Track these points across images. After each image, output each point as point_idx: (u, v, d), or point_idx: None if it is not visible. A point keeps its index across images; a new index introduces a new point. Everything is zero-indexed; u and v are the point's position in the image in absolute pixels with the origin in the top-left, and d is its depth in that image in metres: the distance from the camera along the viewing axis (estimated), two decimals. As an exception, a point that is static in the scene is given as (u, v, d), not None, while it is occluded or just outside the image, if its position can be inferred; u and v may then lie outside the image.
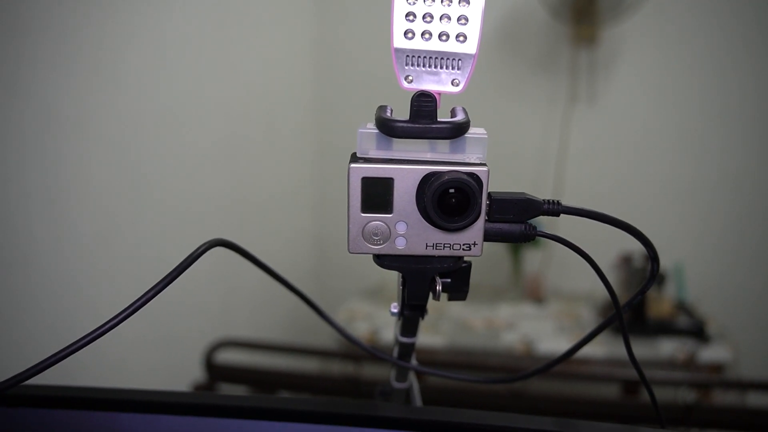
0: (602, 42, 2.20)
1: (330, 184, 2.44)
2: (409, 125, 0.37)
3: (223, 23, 1.74)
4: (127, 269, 1.35)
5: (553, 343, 1.89)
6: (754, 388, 1.63)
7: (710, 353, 1.82)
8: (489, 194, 0.40)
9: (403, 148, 0.39)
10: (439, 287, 0.42)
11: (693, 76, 2.20)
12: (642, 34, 2.18)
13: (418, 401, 0.60)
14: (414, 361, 0.57)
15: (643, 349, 1.85)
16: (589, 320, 2.06)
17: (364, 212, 0.39)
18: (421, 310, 0.48)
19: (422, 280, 0.42)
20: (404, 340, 0.52)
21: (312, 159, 2.42)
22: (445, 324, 2.03)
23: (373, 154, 0.39)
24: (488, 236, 0.41)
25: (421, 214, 0.39)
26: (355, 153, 0.40)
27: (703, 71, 2.19)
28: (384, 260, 0.41)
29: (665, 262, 2.07)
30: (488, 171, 0.38)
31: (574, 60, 2.24)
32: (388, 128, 0.38)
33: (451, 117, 0.39)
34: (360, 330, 1.96)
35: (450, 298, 0.45)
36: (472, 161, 0.39)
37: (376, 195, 0.39)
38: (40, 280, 1.15)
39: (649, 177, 2.28)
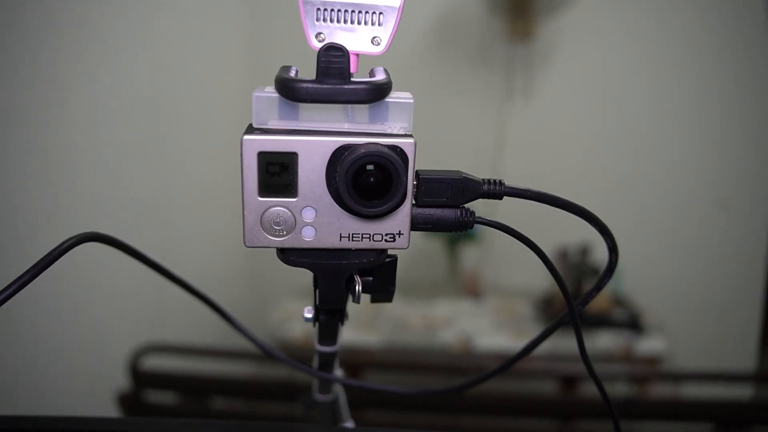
0: (538, 38, 2.18)
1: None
2: (315, 86, 0.30)
3: (151, 14, 1.63)
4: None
5: (491, 339, 1.86)
6: (688, 379, 1.64)
7: (646, 345, 1.82)
8: (417, 173, 0.33)
9: (311, 116, 0.32)
10: (358, 287, 0.35)
11: (629, 72, 2.20)
12: (578, 30, 2.17)
13: (345, 416, 0.53)
14: (338, 371, 0.50)
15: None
16: (528, 315, 2.04)
17: (262, 196, 0.32)
18: (340, 315, 0.40)
19: (337, 279, 0.34)
20: (323, 349, 0.44)
21: (235, 153, 2.31)
22: (382, 322, 1.97)
23: (274, 124, 0.32)
24: (416, 224, 0.34)
25: (332, 197, 0.32)
26: (251, 124, 0.32)
27: (639, 67, 2.19)
28: (289, 255, 0.34)
29: (601, 255, 2.07)
30: (415, 143, 0.31)
31: (510, 56, 2.21)
32: (288, 90, 0.30)
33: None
34: (294, 331, 1.88)
35: (373, 300, 0.37)
36: (395, 132, 0.32)
37: (277, 174, 0.31)
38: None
39: (584, 171, 2.28)
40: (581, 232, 2.11)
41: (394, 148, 0.31)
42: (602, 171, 2.27)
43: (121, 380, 1.44)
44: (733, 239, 2.18)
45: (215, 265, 2.08)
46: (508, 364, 0.45)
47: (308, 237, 0.32)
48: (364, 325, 1.95)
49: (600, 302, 1.98)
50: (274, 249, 0.34)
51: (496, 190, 0.34)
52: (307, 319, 0.40)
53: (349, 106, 0.31)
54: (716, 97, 2.16)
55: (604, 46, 2.20)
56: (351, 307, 1.56)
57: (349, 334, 1.88)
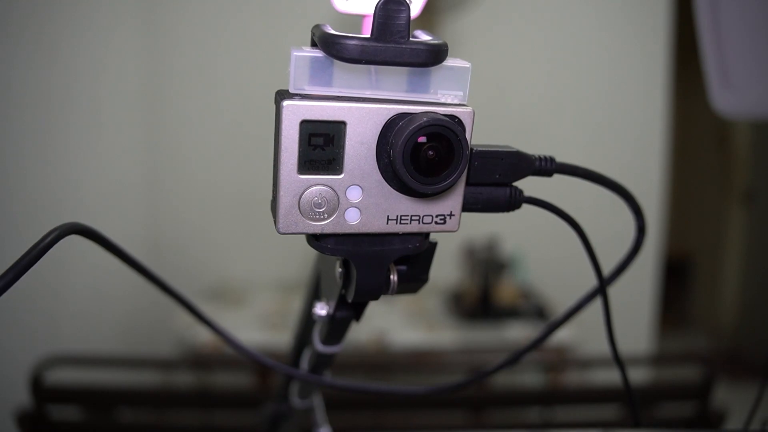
0: (443, 34, 2.19)
1: (164, 179, 2.21)
2: (374, 45, 0.26)
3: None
4: None
5: (405, 335, 1.85)
6: (597, 365, 1.71)
7: (555, 334, 1.88)
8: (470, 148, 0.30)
9: (350, 82, 0.27)
10: (394, 277, 0.31)
11: (531, 69, 2.26)
12: (482, 27, 2.20)
13: (321, 422, 0.49)
14: (327, 374, 0.46)
15: (489, 335, 1.87)
16: (438, 310, 2.05)
17: (302, 173, 0.27)
18: (361, 311, 0.36)
19: (378, 268, 0.30)
20: (326, 349, 0.40)
21: (143, 154, 2.17)
22: (292, 322, 1.91)
23: (309, 89, 0.27)
24: (466, 204, 0.30)
25: (382, 174, 0.28)
26: (283, 90, 0.28)
27: (541, 64, 2.26)
28: (328, 242, 0.29)
29: (506, 249, 2.12)
30: (473, 113, 0.28)
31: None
32: (339, 48, 0.26)
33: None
34: (203, 335, 1.78)
35: (399, 291, 0.33)
36: (449, 101, 0.28)
37: (321, 148, 0.27)
38: None
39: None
40: (486, 226, 2.16)
41: (452, 118, 0.27)
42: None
43: (23, 396, 1.30)
44: (628, 230, 2.30)
45: (113, 265, 1.94)
46: (518, 355, 0.42)
47: (352, 220, 0.28)
48: (275, 325, 1.88)
49: (507, 294, 2.03)
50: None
51: (548, 167, 0.32)
52: (320, 317, 0.35)
53: (399, 69, 0.27)
54: (610, 93, 2.27)
55: (506, 44, 2.25)
56: (259, 306, 1.50)
57: (258, 335, 1.81)
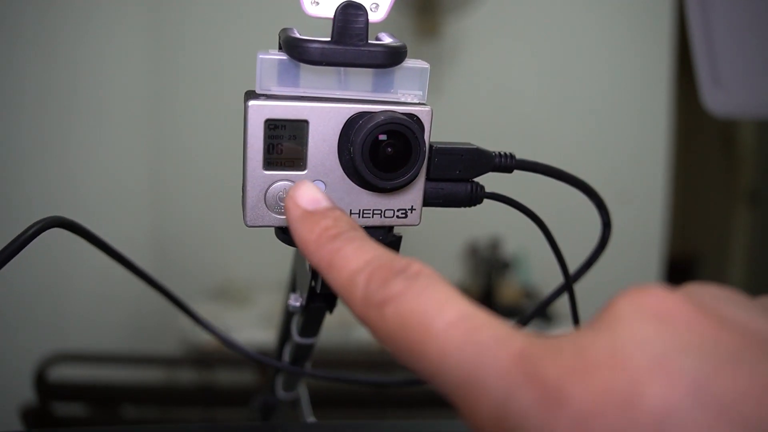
0: (445, 35, 2.20)
1: (168, 178, 2.23)
2: (333, 47, 0.27)
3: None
4: None
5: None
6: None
7: (556, 334, 1.88)
8: (429, 145, 0.31)
9: (316, 82, 0.29)
10: None
11: (533, 70, 2.27)
12: (484, 28, 2.22)
13: (308, 414, 0.50)
14: (308, 365, 0.47)
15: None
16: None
17: (267, 169, 0.29)
18: (333, 302, 0.38)
19: None
20: (303, 341, 0.41)
21: (147, 154, 2.20)
22: (297, 321, 1.92)
23: (277, 90, 0.29)
24: (427, 199, 0.32)
25: (344, 170, 0.29)
26: (251, 90, 0.29)
27: (542, 65, 2.27)
28: None
29: (509, 248, 2.13)
30: (431, 111, 0.30)
31: (417, 53, 2.22)
32: (300, 51, 0.27)
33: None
34: (207, 335, 1.80)
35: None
36: (408, 100, 0.30)
37: (285, 145, 0.29)
38: None
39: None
40: (489, 226, 2.17)
41: (411, 116, 0.29)
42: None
43: (27, 393, 1.32)
44: (632, 231, 2.30)
45: (116, 264, 1.96)
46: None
47: None
48: (276, 324, 1.90)
49: (509, 294, 2.04)
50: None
51: (508, 163, 0.33)
52: (293, 308, 0.37)
53: (363, 70, 0.29)
54: (614, 94, 2.27)
55: (509, 45, 2.26)
56: (263, 305, 1.51)
57: (262, 335, 1.83)
